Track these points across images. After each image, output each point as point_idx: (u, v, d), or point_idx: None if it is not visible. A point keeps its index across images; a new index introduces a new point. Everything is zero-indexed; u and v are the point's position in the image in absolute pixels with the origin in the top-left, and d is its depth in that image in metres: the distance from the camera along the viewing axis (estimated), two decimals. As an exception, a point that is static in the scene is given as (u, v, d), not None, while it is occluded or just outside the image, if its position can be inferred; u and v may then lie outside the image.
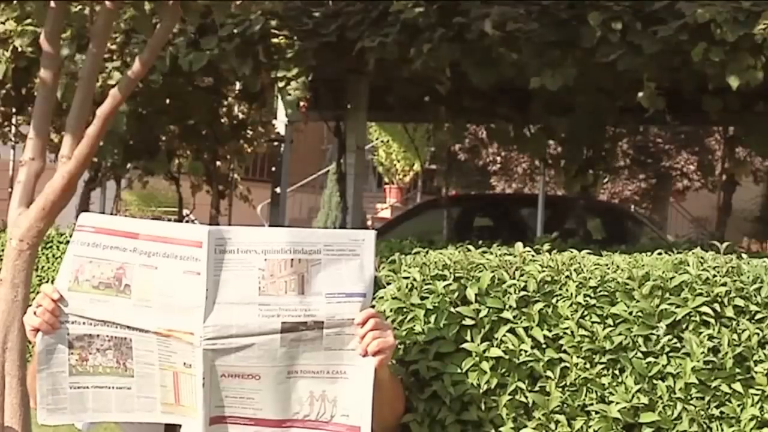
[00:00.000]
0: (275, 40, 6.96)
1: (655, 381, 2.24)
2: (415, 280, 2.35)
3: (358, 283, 2.02)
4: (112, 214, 11.54)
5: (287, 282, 1.97)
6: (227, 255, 1.96)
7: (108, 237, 2.02)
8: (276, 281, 1.97)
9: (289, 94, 6.94)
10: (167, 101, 8.30)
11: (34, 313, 2.04)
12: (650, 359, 2.25)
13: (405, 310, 2.34)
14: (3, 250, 4.46)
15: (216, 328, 1.94)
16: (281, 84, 6.97)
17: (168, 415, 2.02)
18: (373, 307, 2.13)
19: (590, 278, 2.33)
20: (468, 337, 2.29)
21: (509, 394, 2.26)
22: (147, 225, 2.04)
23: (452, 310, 2.29)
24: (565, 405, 2.25)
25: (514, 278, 2.33)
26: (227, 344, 1.95)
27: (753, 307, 2.27)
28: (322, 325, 1.99)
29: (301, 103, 7.09)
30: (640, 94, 6.06)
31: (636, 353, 2.26)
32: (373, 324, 2.02)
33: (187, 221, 11.42)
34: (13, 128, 9.77)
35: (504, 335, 2.28)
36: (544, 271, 2.34)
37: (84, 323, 2.03)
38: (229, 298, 1.95)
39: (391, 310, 2.36)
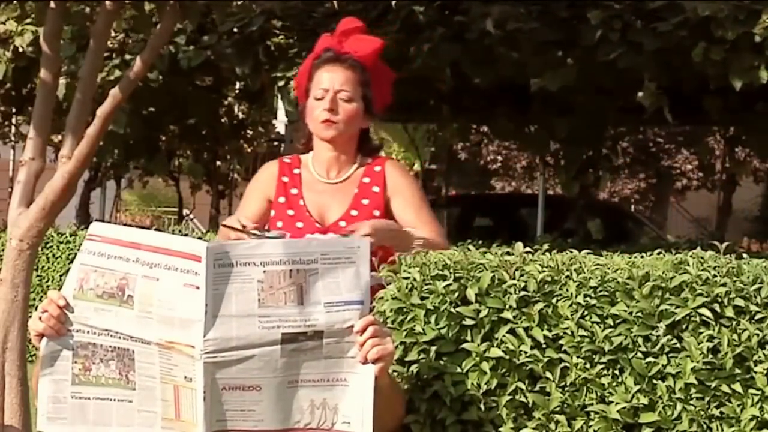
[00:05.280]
0: (275, 39, 6.96)
1: (654, 381, 2.25)
2: (415, 280, 2.35)
3: (355, 291, 2.02)
4: (112, 213, 11.55)
5: (286, 293, 1.97)
6: (226, 269, 1.95)
7: (112, 246, 2.02)
8: (275, 293, 1.97)
9: (289, 93, 6.93)
10: (167, 101, 8.30)
11: (40, 318, 2.05)
12: (650, 359, 2.25)
13: (405, 310, 2.34)
14: (3, 250, 4.46)
15: (216, 341, 1.94)
16: (281, 83, 6.97)
17: (168, 431, 2.01)
18: (372, 308, 2.12)
19: (590, 278, 2.33)
20: (468, 338, 2.29)
21: (509, 395, 2.26)
22: (149, 236, 2.04)
23: (452, 310, 2.30)
24: (565, 405, 2.25)
25: (514, 278, 2.33)
26: (228, 357, 1.94)
27: (753, 308, 2.28)
28: (322, 334, 1.99)
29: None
30: (641, 93, 6.05)
31: (636, 353, 2.26)
32: (373, 331, 2.03)
33: (187, 221, 11.42)
34: (13, 128, 9.77)
35: (504, 335, 2.28)
36: (544, 271, 2.34)
37: (88, 332, 2.03)
38: (229, 311, 1.95)
39: (391, 311, 2.36)
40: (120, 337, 2.00)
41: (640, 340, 2.26)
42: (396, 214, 2.84)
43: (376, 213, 2.81)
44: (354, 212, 2.81)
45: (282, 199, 2.84)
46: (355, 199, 2.83)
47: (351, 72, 2.84)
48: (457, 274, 2.35)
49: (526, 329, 2.29)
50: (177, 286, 1.95)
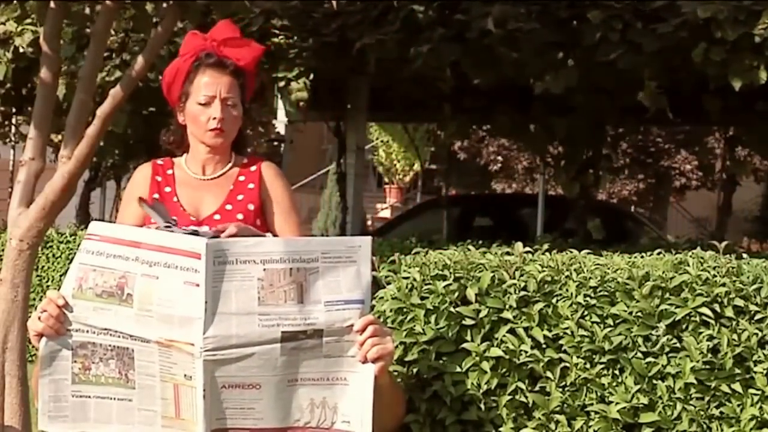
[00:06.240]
0: (275, 39, 6.96)
1: (654, 381, 2.25)
2: (415, 280, 2.36)
3: (356, 290, 2.02)
4: (112, 213, 11.55)
5: (286, 291, 1.98)
6: (226, 266, 1.96)
7: (112, 246, 2.02)
8: (275, 291, 1.97)
9: (290, 94, 6.94)
10: (167, 101, 8.29)
11: (39, 318, 2.05)
12: (650, 359, 2.25)
13: (405, 310, 2.34)
14: (3, 250, 4.46)
15: (216, 339, 1.94)
16: (281, 84, 6.97)
17: (168, 429, 2.01)
18: (372, 307, 2.12)
19: (590, 278, 2.33)
20: (468, 337, 2.29)
21: (509, 394, 2.26)
22: (149, 234, 2.04)
23: (452, 310, 2.30)
24: (565, 405, 2.25)
25: (514, 278, 2.33)
26: (227, 354, 1.95)
27: (753, 308, 2.28)
28: (322, 333, 1.99)
29: (301, 103, 7.10)
30: (641, 93, 6.06)
31: (636, 353, 2.26)
32: (372, 330, 2.03)
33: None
34: (13, 128, 9.76)
35: (504, 335, 2.28)
36: (544, 271, 2.34)
37: (87, 331, 2.03)
38: (229, 308, 1.95)
39: (391, 310, 2.36)
40: (119, 336, 2.00)
41: (640, 340, 2.26)
42: (266, 214, 2.88)
43: (251, 207, 2.88)
44: (229, 206, 2.87)
45: (156, 196, 2.88)
46: (230, 194, 2.89)
47: (234, 78, 2.89)
48: (457, 274, 2.35)
49: (526, 329, 2.29)
50: (177, 284, 1.95)
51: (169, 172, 2.95)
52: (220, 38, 2.92)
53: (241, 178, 2.92)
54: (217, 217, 2.83)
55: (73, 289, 2.03)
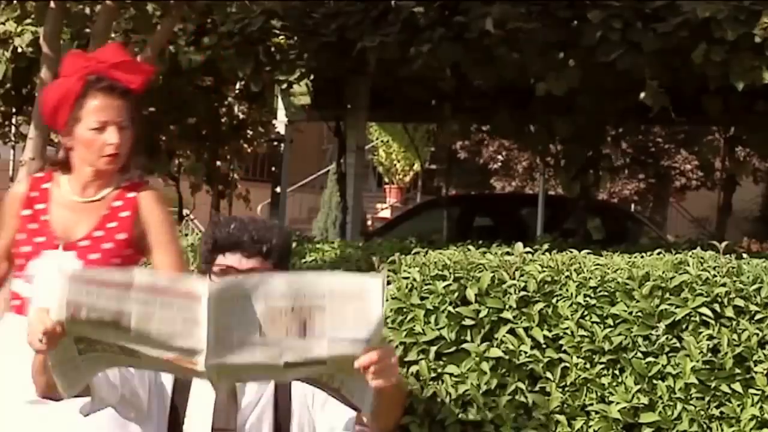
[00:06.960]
0: (275, 39, 6.97)
1: (655, 381, 2.25)
2: (415, 280, 2.36)
3: (363, 330, 1.99)
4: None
5: (288, 327, 1.97)
6: (227, 303, 1.96)
7: (100, 289, 2.00)
8: (277, 326, 1.97)
9: (292, 96, 6.95)
10: (167, 101, 8.29)
11: (40, 340, 2.03)
12: (650, 359, 2.25)
13: (405, 310, 2.34)
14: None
15: (218, 366, 1.96)
16: (283, 86, 6.97)
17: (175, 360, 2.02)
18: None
19: (590, 278, 2.33)
20: (468, 338, 2.29)
21: (509, 395, 2.26)
22: (140, 275, 2.01)
23: (452, 310, 2.30)
24: (565, 405, 2.25)
25: (514, 278, 2.34)
26: (231, 369, 1.98)
27: (753, 308, 2.28)
28: (325, 361, 2.00)
29: (305, 106, 7.12)
30: (643, 93, 6.05)
31: (636, 353, 2.26)
32: (375, 369, 2.00)
33: (187, 221, 11.43)
34: (13, 128, 9.76)
35: (504, 335, 2.28)
36: (544, 271, 2.34)
37: (89, 337, 2.05)
38: (231, 342, 1.96)
39: (391, 310, 2.36)
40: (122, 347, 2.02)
41: (639, 340, 2.26)
42: (142, 245, 2.86)
43: (121, 237, 2.80)
44: (98, 233, 2.80)
45: (27, 212, 2.83)
46: (102, 221, 2.82)
47: (125, 101, 2.83)
48: (456, 274, 2.35)
49: (526, 329, 2.29)
50: (176, 320, 1.95)
51: (46, 185, 2.87)
52: (110, 61, 2.86)
53: (117, 203, 2.85)
54: (85, 243, 2.77)
55: (67, 320, 2.01)
